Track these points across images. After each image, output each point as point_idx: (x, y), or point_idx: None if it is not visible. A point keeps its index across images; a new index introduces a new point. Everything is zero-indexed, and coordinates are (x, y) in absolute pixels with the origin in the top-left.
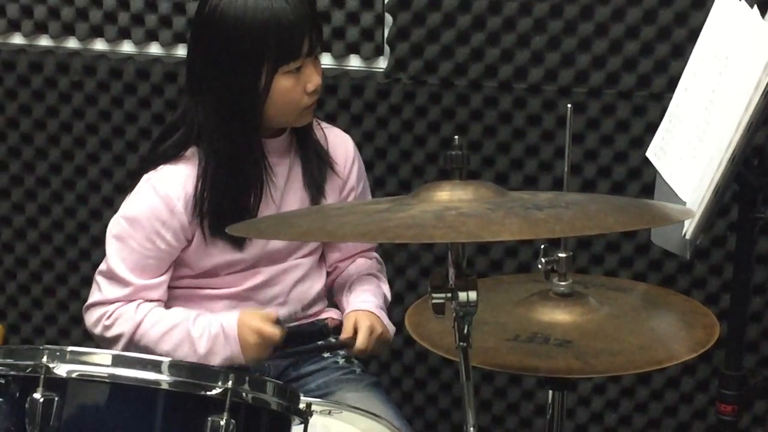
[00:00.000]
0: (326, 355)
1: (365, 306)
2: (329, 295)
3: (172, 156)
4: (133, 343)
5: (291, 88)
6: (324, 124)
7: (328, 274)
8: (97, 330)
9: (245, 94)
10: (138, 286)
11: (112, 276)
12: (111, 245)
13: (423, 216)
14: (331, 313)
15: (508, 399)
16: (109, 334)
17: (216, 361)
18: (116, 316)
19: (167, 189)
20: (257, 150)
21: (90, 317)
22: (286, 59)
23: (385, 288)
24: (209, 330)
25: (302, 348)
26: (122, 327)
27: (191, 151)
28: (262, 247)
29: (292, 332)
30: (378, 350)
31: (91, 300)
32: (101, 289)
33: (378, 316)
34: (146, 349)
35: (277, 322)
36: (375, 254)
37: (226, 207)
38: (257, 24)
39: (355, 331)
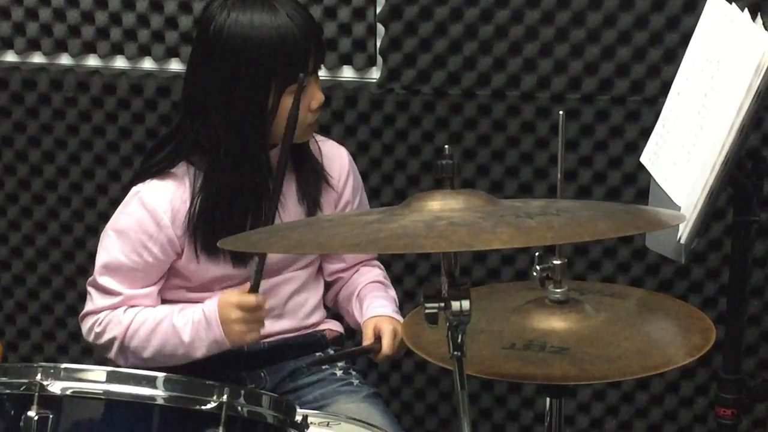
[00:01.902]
0: (324, 366)
1: (383, 311)
2: (334, 306)
3: (161, 170)
4: (124, 345)
5: None
6: (318, 137)
7: (330, 284)
8: (91, 338)
9: (254, 114)
10: (127, 295)
11: (101, 287)
12: (100, 257)
13: (414, 226)
14: (330, 325)
15: (508, 407)
16: (101, 340)
17: (201, 349)
18: (106, 323)
19: (154, 203)
20: (265, 168)
21: (84, 326)
22: (294, 78)
23: (393, 294)
24: (192, 318)
25: (324, 357)
26: (112, 332)
27: (181, 166)
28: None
29: (290, 344)
30: (400, 354)
31: (84, 310)
32: (92, 299)
33: (398, 320)
34: (137, 349)
35: (251, 289)
36: (377, 262)
37: (231, 225)
38: (265, 44)
39: (378, 338)
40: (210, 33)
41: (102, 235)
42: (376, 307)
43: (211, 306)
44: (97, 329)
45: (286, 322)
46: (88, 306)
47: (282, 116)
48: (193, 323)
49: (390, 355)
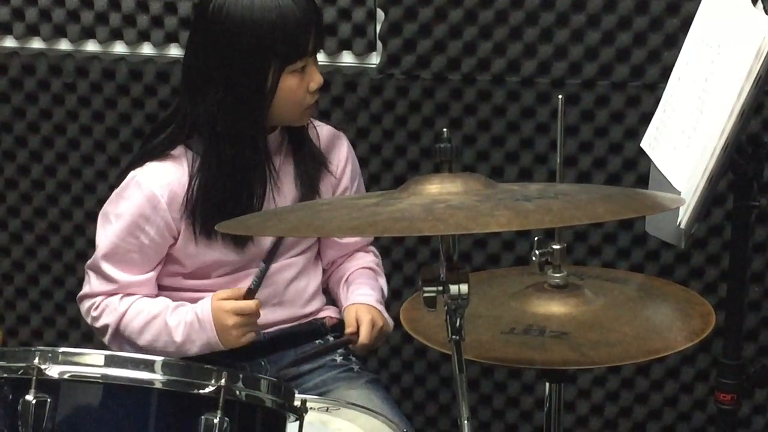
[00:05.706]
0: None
1: (365, 299)
2: (326, 291)
3: (159, 153)
4: (119, 333)
5: (296, 87)
6: (317, 122)
7: (326, 272)
8: (88, 320)
9: (252, 94)
10: (123, 283)
11: (98, 270)
12: (97, 239)
13: (412, 209)
14: (330, 312)
15: (508, 393)
16: (97, 324)
17: (193, 349)
18: (102, 308)
19: (151, 185)
20: (262, 150)
21: (82, 308)
22: (293, 58)
23: (383, 282)
24: (185, 319)
25: (308, 352)
26: (107, 318)
27: (179, 150)
28: (254, 246)
29: (290, 333)
30: (378, 344)
31: (82, 291)
32: (90, 282)
33: (378, 310)
34: (131, 338)
35: (248, 293)
36: (372, 248)
37: (227, 207)
38: (265, 23)
39: (358, 327)
40: (209, 12)
41: (99, 217)
42: (359, 294)
43: (204, 309)
44: (94, 313)
45: (286, 310)
46: (85, 288)
47: (281, 98)
48: (185, 324)
49: (367, 344)
